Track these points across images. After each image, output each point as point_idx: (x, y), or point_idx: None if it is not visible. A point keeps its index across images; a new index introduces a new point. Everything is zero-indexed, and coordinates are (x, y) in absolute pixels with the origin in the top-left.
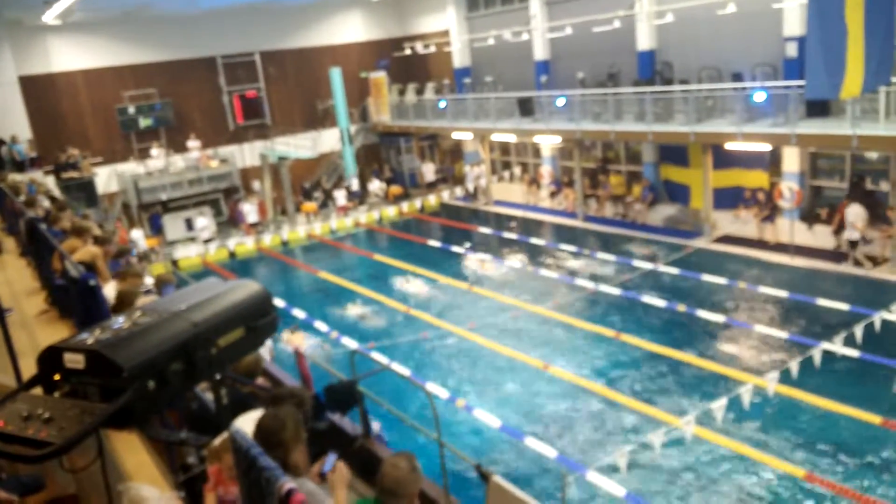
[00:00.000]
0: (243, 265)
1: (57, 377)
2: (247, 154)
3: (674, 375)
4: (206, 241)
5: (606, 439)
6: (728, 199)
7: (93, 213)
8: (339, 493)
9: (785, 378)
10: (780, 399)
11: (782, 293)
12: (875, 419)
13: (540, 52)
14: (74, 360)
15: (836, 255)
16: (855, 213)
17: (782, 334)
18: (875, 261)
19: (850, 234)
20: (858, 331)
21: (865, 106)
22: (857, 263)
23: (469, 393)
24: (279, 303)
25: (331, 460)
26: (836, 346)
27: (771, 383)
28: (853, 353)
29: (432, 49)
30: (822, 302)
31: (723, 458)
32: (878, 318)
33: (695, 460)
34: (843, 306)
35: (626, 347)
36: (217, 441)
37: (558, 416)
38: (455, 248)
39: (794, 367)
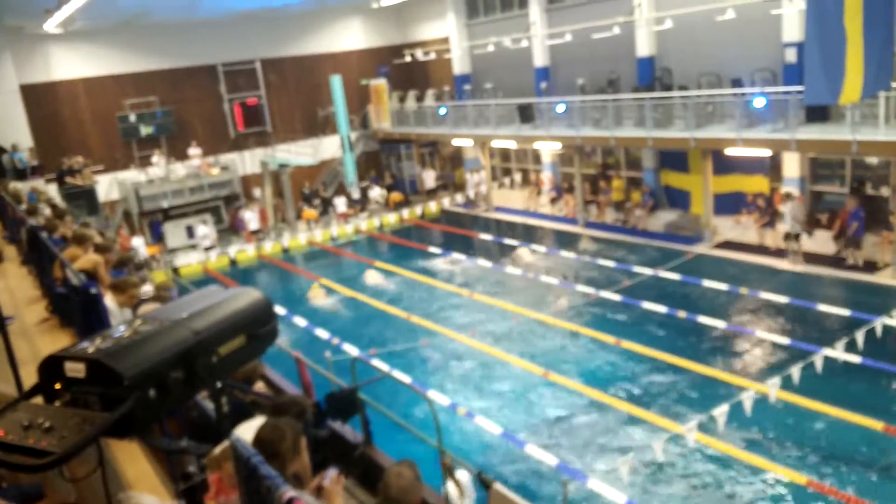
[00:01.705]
0: (244, 273)
1: (58, 386)
2: (247, 161)
3: (675, 382)
4: (207, 249)
5: (608, 446)
6: (728, 204)
7: (94, 222)
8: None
9: (786, 384)
10: (782, 405)
11: (783, 299)
12: (877, 425)
13: (540, 59)
14: (75, 369)
15: (837, 261)
16: (793, 208)
17: (783, 340)
18: (808, 257)
19: (791, 227)
20: (860, 336)
21: (865, 111)
22: (810, 258)
23: (470, 400)
24: (280, 310)
25: (329, 476)
26: (838, 352)
27: (772, 389)
28: (855, 358)
29: (432, 56)
30: (823, 307)
31: (724, 465)
32: (879, 323)
33: (696, 467)
34: (845, 312)
35: (627, 354)
36: (217, 449)
37: (559, 423)
38: (456, 255)
39: (795, 373)
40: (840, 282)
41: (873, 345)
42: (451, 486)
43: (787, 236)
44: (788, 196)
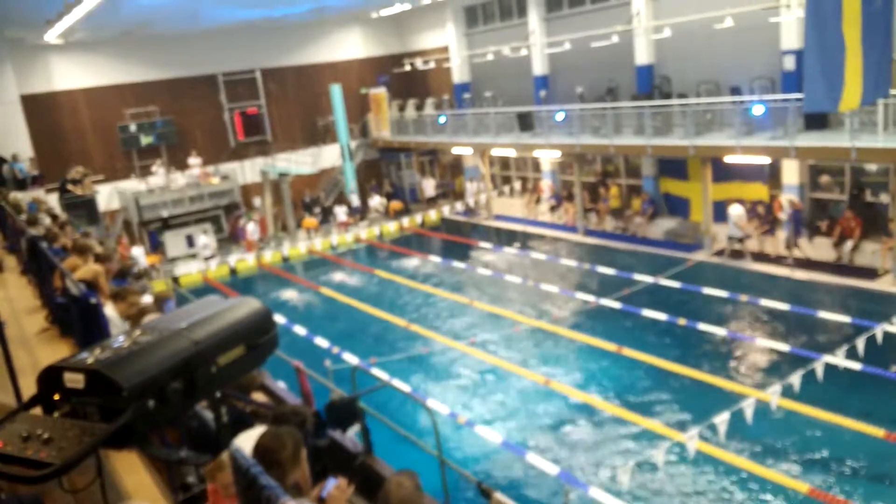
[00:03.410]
0: (244, 282)
1: (57, 397)
2: (247, 170)
3: (675, 390)
4: (207, 259)
5: (608, 455)
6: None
7: (94, 231)
8: None
9: (787, 392)
10: (783, 413)
11: (783, 306)
12: (878, 432)
13: (539, 68)
14: (74, 380)
15: (838, 268)
16: (736, 213)
17: (784, 347)
18: (754, 255)
19: (732, 231)
20: (860, 343)
21: (864, 118)
22: (736, 255)
23: (470, 408)
24: (280, 320)
25: (329, 485)
26: (839, 359)
27: (773, 397)
28: (855, 365)
29: (432, 65)
30: (824, 314)
31: (725, 473)
32: (879, 330)
33: (697, 475)
34: (845, 318)
35: (628, 361)
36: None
37: (560, 432)
38: (455, 263)
39: (796, 380)
40: (840, 289)
41: (874, 352)
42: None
43: (730, 239)
44: (734, 203)
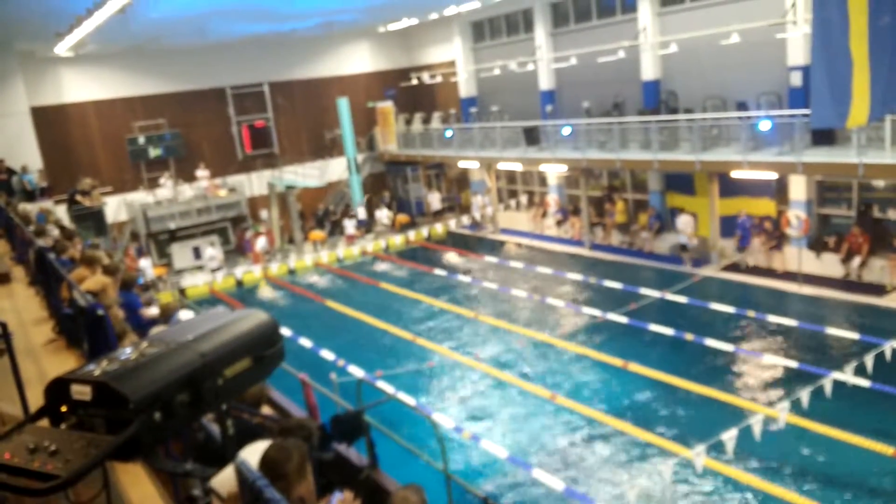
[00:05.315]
0: (251, 293)
1: (64, 409)
2: (255, 183)
3: (683, 405)
4: (214, 270)
5: (615, 471)
6: (735, 227)
7: (102, 243)
8: None
9: (796, 408)
10: (792, 429)
11: (791, 322)
12: (888, 450)
13: (545, 82)
14: (81, 392)
15: (846, 284)
16: (684, 222)
17: (792, 363)
18: (698, 260)
19: (680, 238)
20: (869, 360)
21: (871, 134)
22: (684, 261)
23: (475, 422)
24: (286, 332)
25: (335, 499)
26: (847, 376)
27: (781, 413)
28: (864, 382)
29: (439, 79)
30: (832, 331)
31: (733, 490)
32: (888, 347)
33: (705, 492)
34: (853, 335)
35: (634, 377)
36: (223, 475)
37: (566, 447)
38: (461, 277)
39: (804, 396)
40: (848, 305)
41: (882, 369)
42: None
43: (682, 247)
44: (682, 210)
